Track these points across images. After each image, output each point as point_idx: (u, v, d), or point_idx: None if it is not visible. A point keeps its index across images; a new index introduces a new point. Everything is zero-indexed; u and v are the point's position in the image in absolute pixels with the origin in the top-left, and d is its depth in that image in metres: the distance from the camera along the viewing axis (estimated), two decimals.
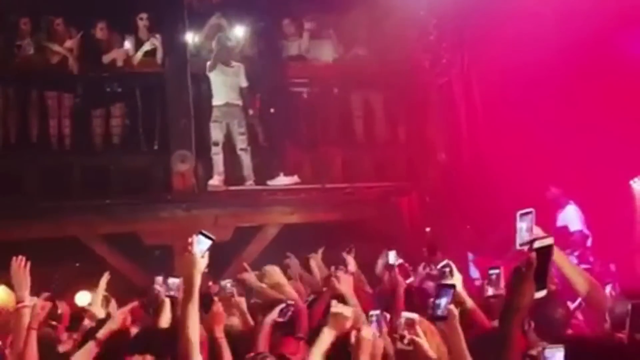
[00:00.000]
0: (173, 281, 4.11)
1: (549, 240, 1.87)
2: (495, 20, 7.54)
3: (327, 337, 2.78)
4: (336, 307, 2.88)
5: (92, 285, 6.23)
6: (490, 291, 3.58)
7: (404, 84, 8.65)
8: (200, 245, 2.74)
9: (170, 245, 7.45)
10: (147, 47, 8.18)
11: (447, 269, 3.64)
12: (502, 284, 3.44)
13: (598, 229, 7.34)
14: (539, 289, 1.85)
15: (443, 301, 2.86)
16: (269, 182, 8.13)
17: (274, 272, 4.43)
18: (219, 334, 3.50)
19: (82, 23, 8.13)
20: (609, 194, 7.18)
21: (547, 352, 2.25)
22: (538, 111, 7.78)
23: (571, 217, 7.26)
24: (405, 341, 2.78)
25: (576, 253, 6.21)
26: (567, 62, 7.45)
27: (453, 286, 2.98)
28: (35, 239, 7.35)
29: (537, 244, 1.83)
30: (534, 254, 1.80)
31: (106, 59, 8.09)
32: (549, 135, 7.70)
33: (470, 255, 7.57)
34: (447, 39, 8.70)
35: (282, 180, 8.14)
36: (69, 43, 7.96)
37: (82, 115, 8.07)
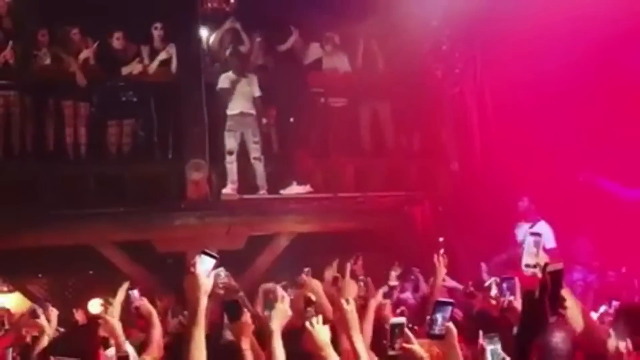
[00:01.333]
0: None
1: (560, 265, 1.85)
2: (508, 30, 7.55)
3: (276, 335, 2.83)
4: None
5: (106, 293, 6.29)
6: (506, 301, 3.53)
7: (417, 93, 8.66)
8: (204, 265, 2.58)
9: (184, 253, 7.49)
10: (163, 56, 8.24)
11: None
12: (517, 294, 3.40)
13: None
14: (551, 314, 1.81)
15: (439, 318, 2.76)
16: (282, 191, 8.15)
17: (317, 285, 4.36)
18: (245, 345, 3.25)
19: (98, 33, 8.22)
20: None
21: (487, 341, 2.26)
22: (550, 120, 7.77)
23: (544, 233, 7.23)
24: (397, 347, 2.77)
25: None
26: (580, 72, 7.44)
27: (451, 303, 2.88)
28: (49, 246, 7.43)
29: (550, 268, 1.80)
30: (547, 277, 1.77)
31: (125, 70, 8.17)
32: (563, 144, 7.69)
33: (483, 266, 7.54)
34: (459, 49, 8.72)
35: (294, 189, 8.17)
36: (85, 52, 8.06)
37: (97, 124, 8.15)
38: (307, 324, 2.89)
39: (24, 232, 7.31)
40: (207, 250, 2.63)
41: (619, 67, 7.40)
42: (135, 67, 8.17)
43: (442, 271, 4.84)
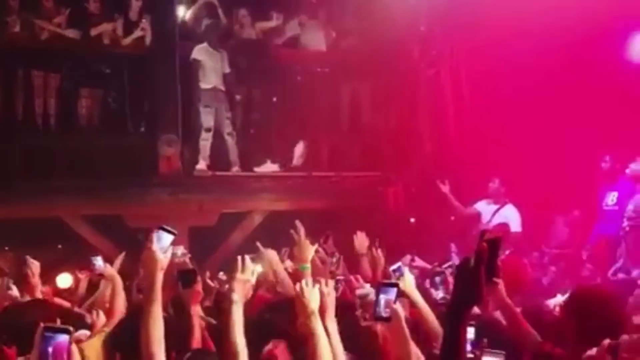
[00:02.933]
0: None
1: (498, 234, 1.78)
2: (486, 13, 7.55)
3: (236, 306, 2.70)
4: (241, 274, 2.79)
5: (74, 267, 6.22)
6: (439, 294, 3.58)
7: (393, 74, 8.66)
8: (162, 242, 2.54)
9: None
10: (137, 34, 8.09)
11: (397, 273, 3.61)
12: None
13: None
14: (486, 282, 1.74)
15: (382, 300, 2.64)
16: (256, 169, 8.12)
17: (273, 256, 4.35)
18: (194, 311, 3.35)
19: (71, 2, 8.03)
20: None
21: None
22: (525, 103, 7.83)
23: (511, 216, 7.36)
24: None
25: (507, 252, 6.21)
26: (555, 53, 7.49)
27: (395, 284, 2.76)
28: (17, 219, 7.30)
29: (487, 236, 1.73)
30: (484, 245, 1.70)
31: (94, 31, 7.98)
32: (536, 127, 7.77)
33: (452, 247, 7.63)
34: (437, 30, 8.71)
35: (268, 167, 8.14)
36: (58, 19, 7.86)
37: (68, 95, 7.99)
38: (297, 287, 2.79)
39: None
40: (165, 226, 2.58)
41: (594, 52, 7.47)
42: (105, 29, 7.97)
43: (381, 260, 4.89)
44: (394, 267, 3.74)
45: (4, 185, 7.33)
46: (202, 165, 7.80)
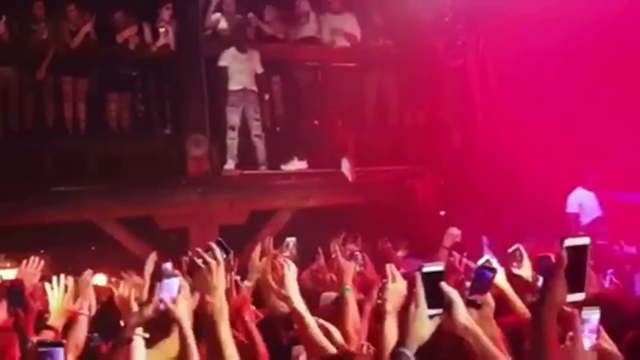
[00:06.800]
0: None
1: (584, 240, 1.74)
2: (511, 1, 7.44)
3: (390, 317, 2.54)
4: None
5: (108, 269, 6.31)
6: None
7: (419, 66, 8.58)
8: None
9: (186, 229, 7.49)
10: (162, 41, 8.17)
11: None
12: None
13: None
14: (574, 291, 1.74)
15: (477, 285, 2.54)
16: (283, 167, 8.13)
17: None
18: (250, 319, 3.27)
19: (95, 9, 8.13)
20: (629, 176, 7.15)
21: (584, 314, 2.22)
22: (554, 93, 7.70)
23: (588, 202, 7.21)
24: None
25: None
26: (584, 43, 7.35)
27: (494, 270, 2.62)
28: (51, 223, 7.43)
29: (567, 243, 1.70)
30: (564, 253, 1.68)
31: (119, 38, 8.08)
32: (566, 118, 7.64)
33: (484, 240, 7.54)
34: (462, 20, 8.61)
35: (296, 165, 8.14)
36: (84, 27, 7.97)
37: (96, 99, 8.11)
38: (282, 261, 2.77)
39: (25, 209, 7.30)
40: (222, 241, 2.43)
41: (622, 39, 7.31)
42: (130, 33, 8.05)
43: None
44: (482, 260, 3.62)
45: (37, 190, 7.46)
46: (230, 164, 7.84)
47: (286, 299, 2.89)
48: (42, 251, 8.24)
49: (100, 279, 6.60)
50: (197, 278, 2.23)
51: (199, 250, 2.27)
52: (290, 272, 2.94)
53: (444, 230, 7.03)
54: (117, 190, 7.64)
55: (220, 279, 2.24)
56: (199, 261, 2.25)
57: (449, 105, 8.82)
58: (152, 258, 4.56)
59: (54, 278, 3.58)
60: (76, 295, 3.54)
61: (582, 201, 7.53)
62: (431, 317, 1.97)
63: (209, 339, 2.19)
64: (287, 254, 4.49)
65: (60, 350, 2.30)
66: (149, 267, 4.41)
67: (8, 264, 8.75)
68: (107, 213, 7.70)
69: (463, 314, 2.11)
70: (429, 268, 2.00)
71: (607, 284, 4.37)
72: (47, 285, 3.31)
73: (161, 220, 7.67)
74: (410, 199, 8.40)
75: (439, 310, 1.99)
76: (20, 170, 7.50)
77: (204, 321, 2.28)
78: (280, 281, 2.94)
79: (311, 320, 2.82)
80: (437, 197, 8.43)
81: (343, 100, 8.57)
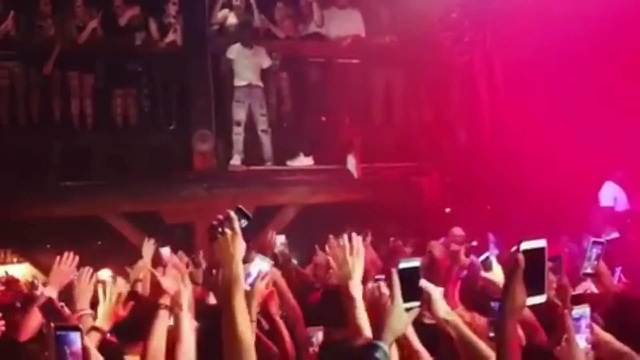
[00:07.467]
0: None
1: (540, 243, 1.74)
2: None
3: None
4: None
5: (114, 263, 6.32)
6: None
7: (426, 62, 8.56)
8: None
9: (192, 224, 7.51)
10: (171, 37, 8.18)
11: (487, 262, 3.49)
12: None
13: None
14: (534, 293, 1.73)
15: (593, 255, 2.64)
16: (289, 163, 8.13)
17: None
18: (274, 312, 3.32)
19: (102, 4, 8.14)
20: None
21: (575, 313, 2.26)
22: (560, 90, 7.67)
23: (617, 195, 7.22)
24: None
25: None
26: (590, 40, 7.31)
27: (603, 242, 2.70)
28: (57, 218, 7.46)
29: (524, 246, 1.70)
30: (520, 256, 1.69)
31: (122, 20, 8.07)
32: (572, 115, 7.60)
33: (491, 237, 7.52)
34: (469, 17, 8.57)
35: (302, 161, 8.14)
36: (91, 23, 7.99)
37: (103, 95, 8.12)
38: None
39: (32, 204, 7.34)
40: (242, 208, 2.35)
41: (630, 38, 7.27)
42: (132, 14, 8.07)
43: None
44: (482, 257, 3.63)
45: (44, 185, 7.49)
46: (236, 160, 7.85)
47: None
48: (48, 246, 8.32)
49: (106, 274, 6.62)
50: (215, 247, 2.24)
51: (220, 217, 2.27)
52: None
53: (449, 227, 7.04)
54: (123, 185, 7.66)
55: (237, 249, 2.23)
56: (218, 230, 2.24)
57: (455, 103, 8.80)
58: (149, 243, 4.57)
59: (108, 280, 3.56)
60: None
61: (616, 195, 7.53)
62: (407, 310, 2.08)
63: (223, 308, 2.18)
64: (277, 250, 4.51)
65: (77, 334, 2.36)
66: (147, 251, 4.40)
67: (15, 259, 8.80)
68: (113, 208, 7.72)
69: (443, 309, 2.21)
70: (405, 264, 2.12)
71: (615, 281, 4.34)
72: (99, 290, 3.22)
73: (167, 215, 7.69)
74: (416, 196, 8.39)
75: (416, 303, 2.11)
76: (27, 166, 7.52)
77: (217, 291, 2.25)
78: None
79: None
80: (443, 194, 8.41)
81: (350, 97, 8.56)
